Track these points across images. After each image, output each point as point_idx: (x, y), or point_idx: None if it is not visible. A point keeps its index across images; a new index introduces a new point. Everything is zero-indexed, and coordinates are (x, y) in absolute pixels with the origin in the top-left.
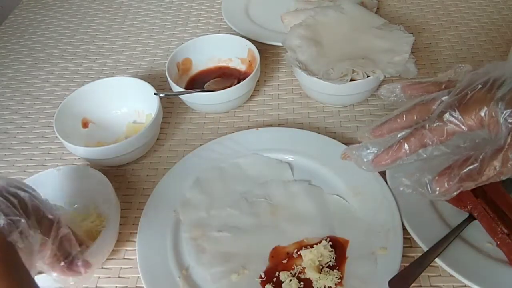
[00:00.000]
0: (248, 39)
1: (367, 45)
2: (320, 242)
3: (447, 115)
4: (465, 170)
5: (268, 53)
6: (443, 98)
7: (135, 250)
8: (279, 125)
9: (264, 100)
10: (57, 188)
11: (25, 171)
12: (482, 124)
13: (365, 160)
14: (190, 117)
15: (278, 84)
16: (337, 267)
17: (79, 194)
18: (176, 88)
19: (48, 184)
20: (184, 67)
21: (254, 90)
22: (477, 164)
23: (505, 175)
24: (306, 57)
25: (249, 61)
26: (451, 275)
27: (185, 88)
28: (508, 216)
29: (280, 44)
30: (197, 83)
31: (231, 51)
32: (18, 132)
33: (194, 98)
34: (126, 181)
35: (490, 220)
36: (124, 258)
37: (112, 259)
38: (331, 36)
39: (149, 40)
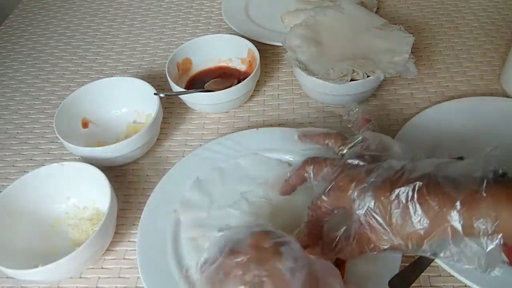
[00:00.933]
0: (248, 39)
1: (367, 45)
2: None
3: (319, 202)
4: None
5: (268, 53)
6: (322, 173)
7: (135, 250)
8: (279, 125)
9: (264, 100)
10: (59, 183)
11: (25, 171)
12: (345, 209)
13: None
14: (190, 117)
15: (278, 84)
16: (337, 267)
17: (79, 190)
18: (176, 88)
19: (51, 178)
20: (184, 67)
21: (254, 90)
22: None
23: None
24: (306, 57)
25: (249, 61)
26: (451, 275)
27: (185, 88)
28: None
29: (280, 44)
30: (197, 83)
31: (231, 51)
32: (18, 132)
33: (194, 98)
34: (126, 181)
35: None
36: (124, 258)
37: (112, 259)
38: (331, 36)
39: (149, 40)
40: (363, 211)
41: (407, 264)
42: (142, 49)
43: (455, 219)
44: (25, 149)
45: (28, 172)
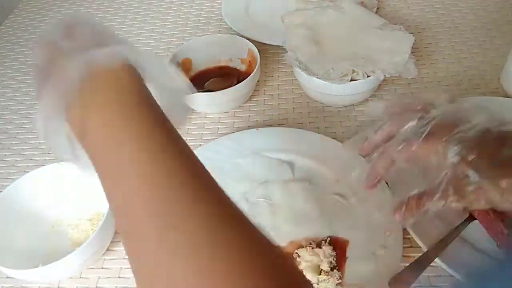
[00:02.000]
0: (248, 39)
1: (367, 45)
2: (320, 242)
3: (407, 142)
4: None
5: (268, 53)
6: (411, 124)
7: None
8: (279, 125)
9: (264, 100)
10: (59, 183)
11: (25, 171)
12: (434, 155)
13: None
14: (190, 117)
15: (278, 84)
16: (337, 267)
17: (79, 190)
18: None
19: (51, 178)
20: (184, 67)
21: (254, 90)
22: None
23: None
24: (306, 57)
25: (249, 61)
26: (451, 275)
27: None
28: (508, 216)
29: (280, 44)
30: (197, 83)
31: (231, 51)
32: (18, 132)
33: (194, 98)
34: None
35: (490, 220)
36: (124, 258)
37: (112, 259)
38: (331, 36)
39: (149, 40)
40: (459, 158)
41: (407, 264)
42: (142, 49)
43: None
44: (25, 149)
45: (28, 172)
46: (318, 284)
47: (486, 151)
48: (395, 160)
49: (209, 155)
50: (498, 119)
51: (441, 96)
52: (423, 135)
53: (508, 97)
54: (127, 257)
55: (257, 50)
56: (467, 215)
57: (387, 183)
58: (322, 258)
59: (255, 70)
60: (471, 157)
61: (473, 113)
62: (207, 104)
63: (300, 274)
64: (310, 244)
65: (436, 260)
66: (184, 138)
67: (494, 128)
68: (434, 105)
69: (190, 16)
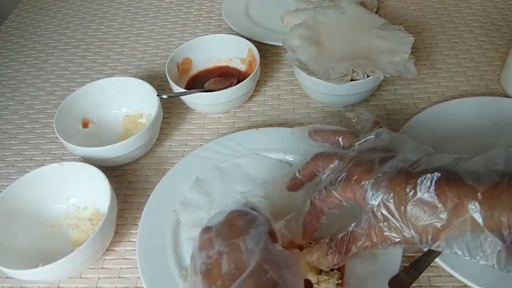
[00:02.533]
0: (248, 39)
1: (367, 45)
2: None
3: (326, 193)
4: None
5: (268, 53)
6: (332, 166)
7: (135, 250)
8: (279, 125)
9: (264, 100)
10: (59, 183)
11: (25, 171)
12: (356, 200)
13: None
14: (190, 117)
15: (278, 84)
16: (337, 268)
17: (79, 190)
18: (176, 88)
19: (51, 178)
20: (184, 67)
21: (254, 90)
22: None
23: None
24: (306, 57)
25: (249, 61)
26: (451, 275)
27: (185, 88)
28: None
29: (280, 44)
30: (197, 83)
31: (231, 51)
32: (18, 132)
33: (194, 98)
34: (126, 181)
35: None
36: (124, 258)
37: (112, 259)
38: (331, 36)
39: (149, 40)
40: (377, 202)
41: (407, 264)
42: (142, 49)
43: (475, 210)
44: (25, 149)
45: (28, 172)
46: (318, 284)
47: (398, 193)
48: (323, 210)
49: (209, 155)
50: (411, 160)
51: (362, 116)
52: (341, 182)
53: (508, 97)
54: (127, 257)
55: (257, 50)
56: None
57: None
58: (301, 266)
59: (255, 70)
60: (386, 200)
61: (389, 152)
62: (207, 104)
63: None
64: (310, 244)
65: (436, 260)
66: (184, 138)
67: (407, 168)
68: (356, 137)
69: (190, 16)
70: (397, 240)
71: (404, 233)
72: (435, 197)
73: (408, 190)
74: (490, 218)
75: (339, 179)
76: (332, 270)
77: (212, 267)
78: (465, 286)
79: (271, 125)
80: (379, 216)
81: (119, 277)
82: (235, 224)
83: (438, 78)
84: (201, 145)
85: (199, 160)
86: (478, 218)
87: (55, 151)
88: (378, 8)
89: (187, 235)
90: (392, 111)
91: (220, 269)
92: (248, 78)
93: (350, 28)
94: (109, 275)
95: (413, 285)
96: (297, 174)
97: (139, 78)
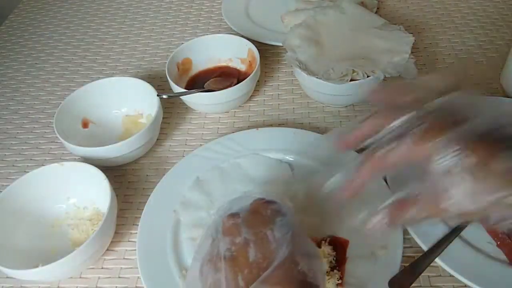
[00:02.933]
0: (248, 39)
1: (367, 45)
2: (320, 242)
3: (399, 142)
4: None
5: (268, 53)
6: (403, 118)
7: (135, 250)
8: (279, 125)
9: (264, 100)
10: (59, 183)
11: (25, 171)
12: (421, 159)
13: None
14: (190, 117)
15: (278, 84)
16: (337, 267)
17: (79, 190)
18: (176, 88)
19: (51, 178)
20: (184, 67)
21: (254, 90)
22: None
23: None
24: (306, 57)
25: (249, 61)
26: (451, 275)
27: (185, 88)
28: None
29: (280, 44)
30: (197, 83)
31: (231, 51)
32: (18, 132)
33: (194, 98)
34: (126, 181)
35: None
36: (124, 258)
37: (112, 259)
38: (331, 36)
39: (149, 40)
40: (449, 164)
41: (407, 264)
42: (142, 49)
43: None
44: (25, 149)
45: (28, 172)
46: None
47: (479, 159)
48: (384, 166)
49: (209, 155)
50: (498, 122)
51: (444, 82)
52: (414, 135)
53: (508, 97)
54: (127, 257)
55: (257, 50)
56: None
57: (385, 181)
58: (322, 258)
59: (255, 70)
60: (463, 164)
61: (477, 109)
62: (207, 104)
63: None
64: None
65: (436, 260)
66: (184, 138)
67: (497, 130)
68: (432, 95)
69: (190, 16)
70: (466, 217)
71: (473, 206)
72: None
73: (496, 159)
74: None
75: (413, 128)
76: (332, 270)
77: (238, 255)
78: (465, 286)
79: (271, 125)
80: (445, 183)
81: (119, 277)
82: (261, 213)
83: None
84: (201, 145)
85: (199, 160)
86: None
87: (55, 151)
88: (378, 8)
89: (187, 235)
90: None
91: (247, 257)
92: (248, 78)
93: (350, 28)
94: (109, 275)
95: (413, 285)
96: (360, 128)
97: (139, 78)
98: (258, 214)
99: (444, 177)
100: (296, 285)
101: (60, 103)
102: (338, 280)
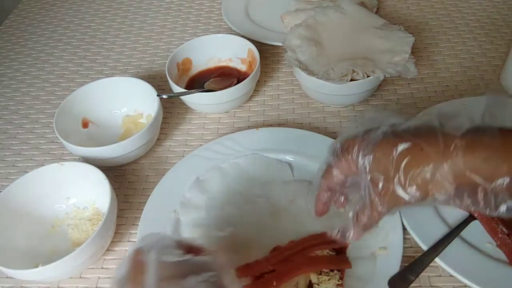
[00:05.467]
0: (248, 39)
1: (367, 45)
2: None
3: (327, 166)
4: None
5: (268, 53)
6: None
7: None
8: (279, 125)
9: (264, 100)
10: (59, 183)
11: (25, 171)
12: (352, 171)
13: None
14: (190, 117)
15: (278, 84)
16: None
17: (79, 190)
18: (176, 88)
19: (51, 178)
20: (184, 67)
21: (254, 90)
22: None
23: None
24: (306, 57)
25: (249, 61)
26: (451, 275)
27: (185, 88)
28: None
29: (280, 44)
30: (197, 83)
31: (231, 51)
32: (18, 132)
33: (194, 98)
34: (126, 181)
35: (490, 220)
36: None
37: (112, 259)
38: (331, 36)
39: (149, 40)
40: (367, 167)
41: (407, 264)
42: (142, 49)
43: (456, 155)
44: (25, 149)
45: (28, 172)
46: (318, 284)
47: (386, 153)
48: (331, 188)
49: (209, 155)
50: (395, 122)
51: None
52: (335, 154)
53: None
54: None
55: (257, 50)
56: (467, 215)
57: None
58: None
59: (255, 70)
60: (377, 162)
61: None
62: (207, 104)
63: None
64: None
65: (436, 260)
66: (184, 138)
67: (392, 129)
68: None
69: (190, 16)
70: (395, 202)
71: (397, 192)
72: (419, 151)
73: (393, 148)
74: (472, 164)
75: (334, 152)
76: (332, 270)
77: None
78: (465, 286)
79: (271, 125)
80: (374, 180)
81: None
82: (138, 262)
83: (438, 78)
84: (201, 145)
85: (199, 160)
86: (460, 163)
87: (55, 151)
88: (378, 8)
89: (187, 235)
90: (392, 111)
91: None
92: (248, 78)
93: (350, 28)
94: (109, 275)
95: (413, 285)
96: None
97: (139, 78)
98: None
99: (372, 176)
100: None
101: (60, 103)
102: (338, 281)
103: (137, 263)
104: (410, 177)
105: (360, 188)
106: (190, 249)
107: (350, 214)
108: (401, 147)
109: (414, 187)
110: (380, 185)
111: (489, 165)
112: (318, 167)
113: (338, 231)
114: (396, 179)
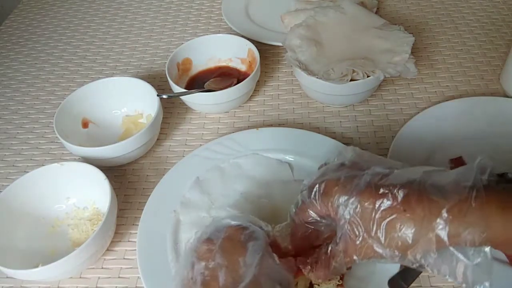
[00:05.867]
0: (248, 39)
1: (367, 45)
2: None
3: (305, 208)
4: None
5: (268, 53)
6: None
7: (135, 250)
8: (279, 125)
9: (264, 100)
10: (59, 183)
11: (25, 171)
12: (328, 215)
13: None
14: (190, 117)
15: (278, 84)
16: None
17: (79, 190)
18: (176, 89)
19: (51, 178)
20: (184, 67)
21: (254, 90)
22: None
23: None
24: (306, 57)
25: (249, 61)
26: None
27: (185, 88)
28: None
29: (280, 44)
30: (197, 83)
31: (231, 51)
32: (18, 132)
33: (194, 98)
34: (126, 181)
35: None
36: (124, 258)
37: (112, 259)
38: (331, 36)
39: (149, 40)
40: (348, 217)
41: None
42: (142, 49)
43: (440, 227)
44: (25, 149)
45: (28, 172)
46: (319, 285)
47: (367, 207)
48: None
49: (209, 155)
50: (380, 173)
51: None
52: (313, 196)
53: (508, 97)
54: (127, 257)
55: (257, 50)
56: None
57: None
58: (292, 283)
59: (255, 70)
60: (356, 214)
61: (357, 167)
62: (207, 104)
63: None
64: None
65: None
66: (184, 138)
67: (376, 182)
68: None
69: (190, 16)
70: (372, 255)
71: (375, 248)
72: (402, 212)
73: (376, 203)
74: (455, 236)
75: (314, 193)
76: None
77: (211, 279)
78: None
79: (271, 125)
80: (352, 231)
81: (119, 277)
82: (235, 239)
83: (438, 78)
84: (201, 145)
85: (199, 160)
86: (443, 235)
87: (55, 151)
88: (378, 8)
89: (187, 235)
90: (392, 111)
91: (218, 281)
92: (248, 78)
93: (350, 28)
94: (109, 275)
95: (413, 285)
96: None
97: (139, 78)
98: (232, 240)
99: (349, 226)
100: None
101: (60, 103)
102: (338, 281)
103: (232, 237)
104: (390, 237)
105: (335, 232)
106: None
107: (322, 257)
108: (385, 204)
109: (394, 248)
110: (359, 238)
111: (472, 235)
112: (293, 203)
113: (309, 266)
114: (375, 236)
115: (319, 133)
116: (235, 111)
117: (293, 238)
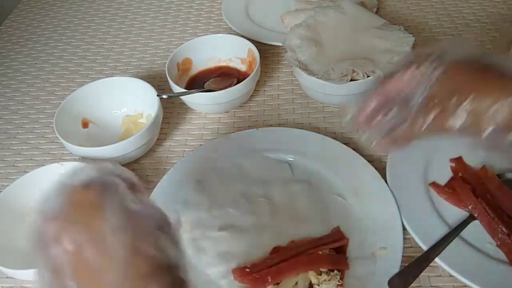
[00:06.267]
0: (248, 39)
1: (367, 45)
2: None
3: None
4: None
5: (268, 53)
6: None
7: None
8: (279, 125)
9: (264, 100)
10: None
11: (25, 171)
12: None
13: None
14: (190, 117)
15: (278, 84)
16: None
17: None
18: (176, 89)
19: (50, 178)
20: (184, 67)
21: (254, 90)
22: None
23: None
24: (306, 57)
25: (249, 61)
26: (451, 275)
27: (185, 88)
28: (508, 216)
29: (280, 44)
30: (197, 83)
31: (231, 51)
32: (18, 132)
33: (194, 98)
34: None
35: (490, 220)
36: None
37: None
38: (331, 36)
39: (149, 40)
40: (429, 84)
41: (407, 264)
42: (142, 49)
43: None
44: (25, 149)
45: (28, 172)
46: (318, 285)
47: (456, 74)
48: (383, 95)
49: (209, 155)
50: (472, 52)
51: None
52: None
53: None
54: None
55: (257, 50)
56: (467, 215)
57: (386, 181)
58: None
59: (255, 70)
60: (442, 79)
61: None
62: (207, 104)
63: None
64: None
65: (436, 260)
66: (184, 138)
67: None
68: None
69: (190, 16)
70: (445, 130)
71: (453, 120)
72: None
73: (471, 74)
74: None
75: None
76: (332, 271)
77: (78, 265)
78: (465, 286)
79: (271, 125)
80: (432, 98)
81: None
82: (84, 202)
83: None
84: (201, 145)
85: (199, 160)
86: None
87: (55, 151)
88: (378, 8)
89: (187, 235)
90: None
91: (88, 262)
92: (248, 78)
93: (350, 28)
94: None
95: (413, 285)
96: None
97: (139, 78)
98: (80, 206)
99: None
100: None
101: (60, 103)
102: (338, 282)
103: (79, 201)
104: (473, 109)
105: (406, 108)
106: (131, 186)
107: (386, 125)
108: (476, 75)
109: (472, 120)
110: (436, 104)
111: None
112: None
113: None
114: (458, 106)
115: (319, 133)
116: (235, 111)
117: (361, 114)
